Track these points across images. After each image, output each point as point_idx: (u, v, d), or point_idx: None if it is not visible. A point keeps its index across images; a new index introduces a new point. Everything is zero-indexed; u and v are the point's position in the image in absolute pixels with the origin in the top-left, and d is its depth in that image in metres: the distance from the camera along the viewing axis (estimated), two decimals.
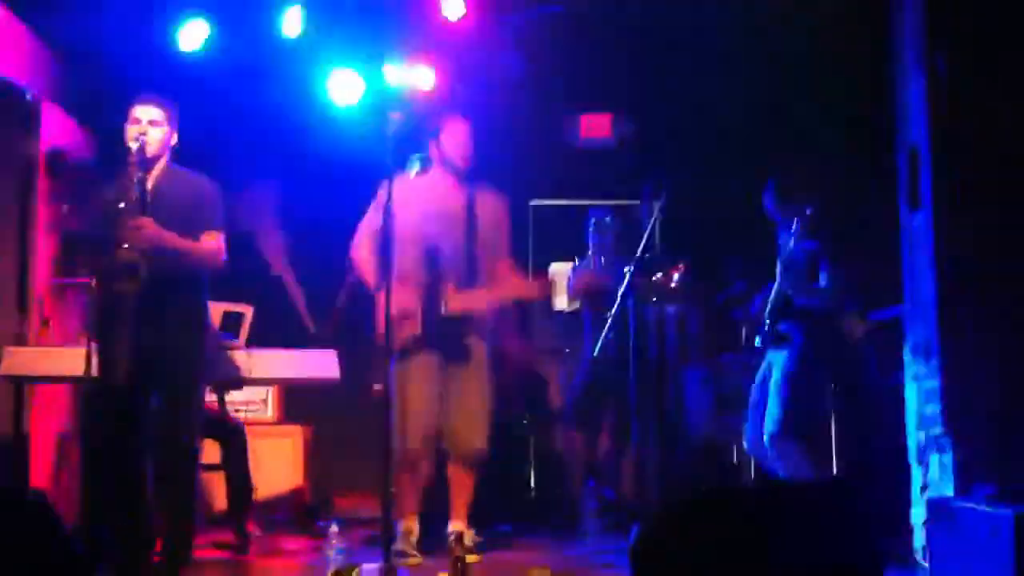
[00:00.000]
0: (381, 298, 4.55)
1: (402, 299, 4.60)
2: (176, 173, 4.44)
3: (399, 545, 4.60)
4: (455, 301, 4.76)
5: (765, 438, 5.02)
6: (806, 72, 6.28)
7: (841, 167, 6.35)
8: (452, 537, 4.82)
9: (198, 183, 4.46)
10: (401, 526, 4.74)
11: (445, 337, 4.77)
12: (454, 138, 4.92)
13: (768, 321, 5.13)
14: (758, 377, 5.28)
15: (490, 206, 4.98)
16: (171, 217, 4.25)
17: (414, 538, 4.77)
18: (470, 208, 4.90)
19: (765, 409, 5.03)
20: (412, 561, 4.60)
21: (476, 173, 4.98)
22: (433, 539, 4.90)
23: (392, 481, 4.52)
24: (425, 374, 4.75)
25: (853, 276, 5.18)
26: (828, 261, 5.09)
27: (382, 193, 4.62)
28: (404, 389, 4.68)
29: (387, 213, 4.28)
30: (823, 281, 5.10)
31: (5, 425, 5.40)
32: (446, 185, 4.93)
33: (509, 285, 4.95)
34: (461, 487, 4.90)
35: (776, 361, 5.12)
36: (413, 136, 4.79)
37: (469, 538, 4.86)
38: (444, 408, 4.81)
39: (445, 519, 4.94)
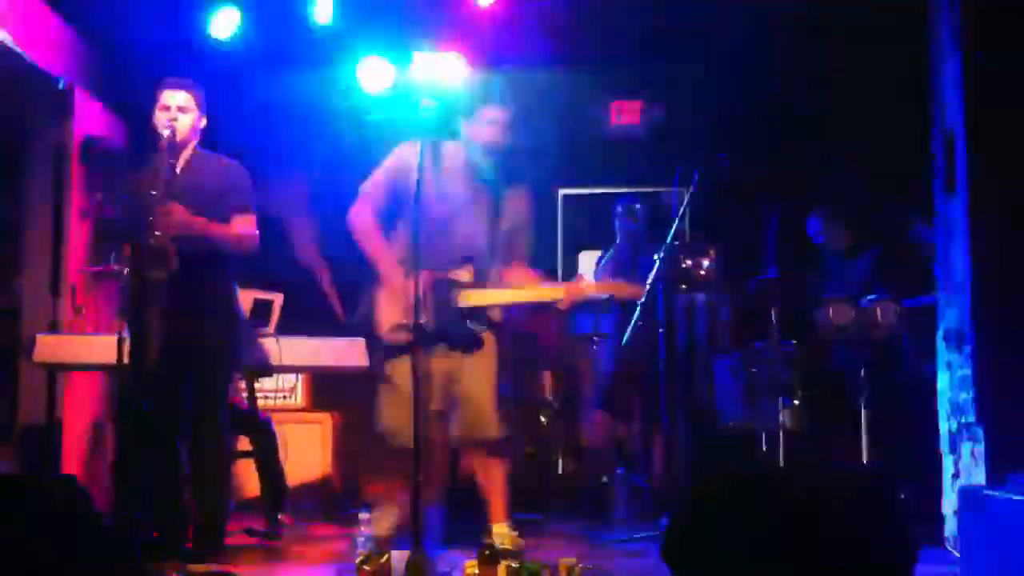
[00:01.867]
0: (385, 291, 4.44)
1: (412, 288, 4.14)
2: (205, 157, 4.46)
3: (369, 529, 4.27)
4: (471, 297, 4.42)
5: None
6: (840, 56, 6.23)
7: (876, 153, 6.32)
8: (496, 543, 4.30)
9: (227, 167, 4.47)
10: (380, 511, 4.49)
11: (458, 332, 4.46)
12: (489, 123, 4.50)
13: None
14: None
15: (517, 203, 4.62)
16: (201, 202, 4.27)
17: (390, 522, 4.48)
18: (495, 199, 4.56)
19: None
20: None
21: (504, 163, 4.61)
22: (460, 528, 4.83)
23: (415, 469, 4.28)
24: (434, 363, 4.38)
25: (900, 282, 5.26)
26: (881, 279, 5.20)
27: (392, 160, 4.51)
28: (397, 386, 4.38)
29: (417, 201, 4.07)
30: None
31: (38, 412, 5.46)
32: (469, 171, 4.56)
33: (529, 288, 4.53)
34: (491, 482, 4.59)
35: None
36: (444, 123, 4.73)
37: (511, 541, 4.46)
38: (457, 398, 4.50)
39: (471, 511, 4.71)
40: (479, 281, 4.47)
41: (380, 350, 4.56)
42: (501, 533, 4.49)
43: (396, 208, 4.49)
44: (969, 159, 4.31)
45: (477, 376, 4.51)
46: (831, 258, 6.11)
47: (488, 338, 4.54)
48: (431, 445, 4.43)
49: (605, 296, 4.85)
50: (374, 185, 4.52)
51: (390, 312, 4.43)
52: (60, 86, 5.71)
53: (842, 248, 6.08)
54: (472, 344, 4.50)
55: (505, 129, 4.51)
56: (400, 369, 4.35)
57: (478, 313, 4.50)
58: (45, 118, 5.70)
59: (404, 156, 4.43)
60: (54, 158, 5.71)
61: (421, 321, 4.14)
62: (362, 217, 4.51)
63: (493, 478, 4.60)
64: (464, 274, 4.44)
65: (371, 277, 4.52)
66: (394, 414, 4.40)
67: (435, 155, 4.50)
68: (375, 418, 4.54)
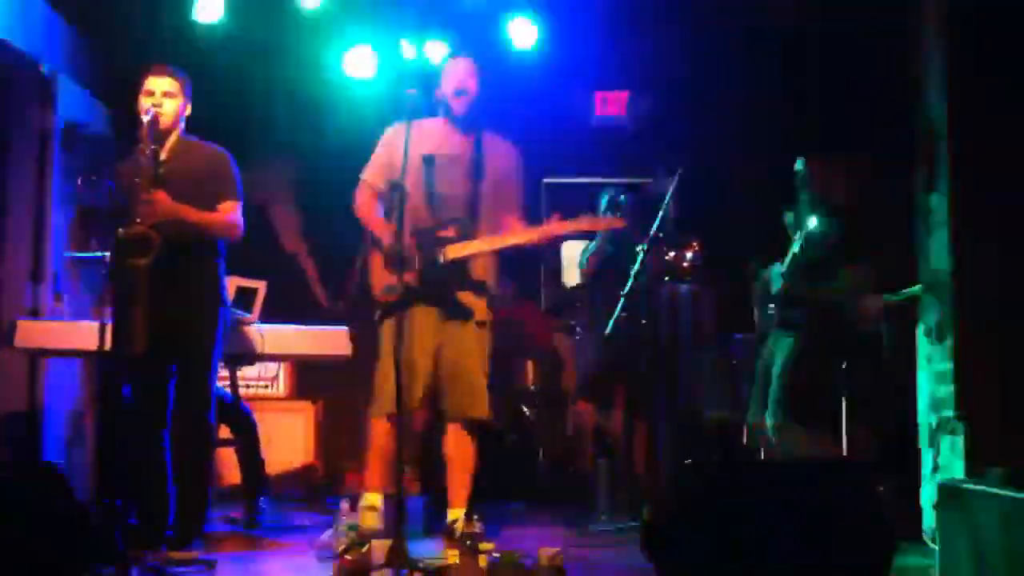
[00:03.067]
0: (377, 255, 4.53)
1: (404, 248, 4.31)
2: (190, 144, 4.44)
3: (351, 519, 4.23)
4: (453, 249, 4.49)
5: (768, 426, 5.05)
6: (825, 50, 6.24)
7: (859, 146, 6.33)
8: (450, 526, 4.47)
9: (212, 154, 4.45)
10: (363, 499, 4.50)
11: (442, 289, 4.52)
12: (452, 76, 4.61)
13: (773, 306, 5.12)
14: (761, 362, 5.30)
15: (499, 155, 4.69)
16: (186, 189, 4.25)
17: (375, 515, 4.45)
18: (476, 156, 4.63)
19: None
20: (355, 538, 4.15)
21: (485, 123, 4.69)
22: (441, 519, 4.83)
23: (373, 443, 4.49)
24: (421, 329, 4.45)
25: (870, 270, 5.18)
26: (848, 256, 5.12)
27: (383, 143, 4.65)
28: (382, 347, 4.47)
29: (405, 163, 4.18)
30: (842, 276, 5.12)
31: (19, 399, 5.44)
32: (450, 131, 4.65)
33: (509, 232, 4.56)
34: (462, 463, 4.61)
35: (780, 347, 5.12)
36: (429, 110, 4.73)
37: (466, 527, 4.29)
38: (439, 370, 4.53)
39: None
40: (464, 237, 4.53)
41: (379, 316, 4.57)
42: (459, 518, 4.46)
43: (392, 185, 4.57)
44: (951, 155, 4.33)
45: (469, 351, 4.56)
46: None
47: (479, 307, 4.60)
48: (412, 413, 4.55)
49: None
50: (369, 167, 4.69)
51: (381, 275, 4.49)
52: (44, 71, 5.68)
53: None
54: (462, 312, 4.54)
55: (469, 75, 4.61)
56: (389, 331, 4.43)
57: (463, 271, 4.55)
58: (28, 104, 5.66)
59: (390, 139, 4.59)
60: (37, 144, 5.67)
61: (407, 279, 4.28)
62: (360, 194, 4.68)
63: (463, 459, 4.62)
64: (449, 232, 4.51)
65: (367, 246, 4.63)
66: (382, 380, 4.46)
67: (418, 131, 4.50)
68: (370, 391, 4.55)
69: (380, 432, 4.51)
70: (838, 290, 5.20)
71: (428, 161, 4.57)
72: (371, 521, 4.41)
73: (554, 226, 4.54)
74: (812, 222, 5.14)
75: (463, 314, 4.56)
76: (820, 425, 5.23)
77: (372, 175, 4.67)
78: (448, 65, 4.70)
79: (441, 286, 4.52)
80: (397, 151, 4.29)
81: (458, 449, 4.62)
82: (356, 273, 6.33)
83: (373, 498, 4.53)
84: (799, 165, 5.42)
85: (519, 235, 4.55)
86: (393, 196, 4.45)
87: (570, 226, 4.58)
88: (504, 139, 4.75)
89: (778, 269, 5.40)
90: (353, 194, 4.69)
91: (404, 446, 4.44)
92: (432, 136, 4.61)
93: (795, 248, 5.17)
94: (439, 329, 4.54)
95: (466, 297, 4.58)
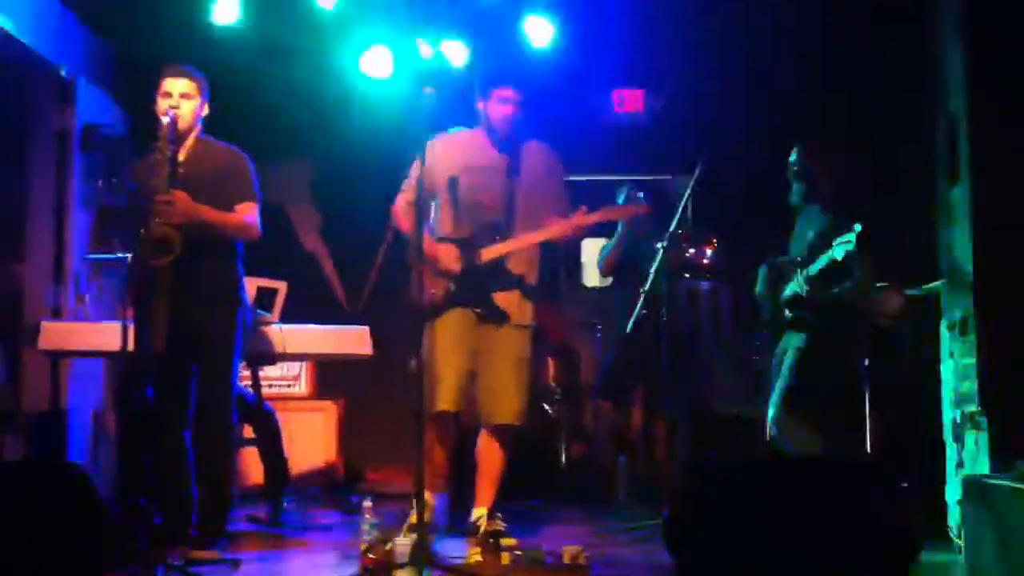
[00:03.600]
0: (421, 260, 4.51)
1: (441, 255, 4.54)
2: (208, 145, 4.45)
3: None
4: (488, 251, 4.59)
5: (769, 418, 5.04)
6: (843, 44, 6.21)
7: (880, 140, 6.30)
8: (474, 524, 4.58)
9: (229, 154, 4.47)
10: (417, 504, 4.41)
11: (482, 293, 4.60)
12: (501, 101, 4.68)
13: (785, 309, 5.11)
14: (776, 360, 5.27)
15: (537, 160, 4.78)
16: (204, 189, 4.26)
17: (431, 515, 4.53)
18: (513, 163, 4.71)
19: None
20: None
21: (520, 133, 4.77)
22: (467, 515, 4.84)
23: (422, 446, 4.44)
24: (457, 331, 4.57)
25: (879, 268, 5.14)
26: (860, 257, 5.07)
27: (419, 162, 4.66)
28: (435, 346, 4.51)
29: (419, 185, 4.23)
30: (852, 278, 5.09)
31: (43, 399, 5.47)
32: (487, 143, 4.76)
33: (540, 228, 4.63)
34: (489, 465, 4.67)
35: (791, 343, 5.09)
36: (446, 110, 4.74)
37: (489, 524, 4.55)
38: (477, 372, 4.61)
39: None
40: (500, 240, 4.62)
41: (426, 321, 4.60)
42: (482, 516, 4.59)
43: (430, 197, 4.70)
44: (972, 147, 4.30)
45: (505, 355, 4.63)
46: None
47: (520, 310, 4.67)
48: (447, 417, 4.56)
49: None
50: (408, 180, 4.68)
51: (424, 283, 4.49)
52: (63, 74, 5.71)
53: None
54: (502, 315, 4.60)
55: (517, 106, 4.68)
56: (431, 336, 4.53)
57: (500, 272, 4.62)
58: (48, 106, 5.70)
59: (430, 150, 4.52)
60: (57, 146, 5.72)
61: (452, 289, 4.51)
62: (398, 208, 4.74)
63: (491, 462, 4.68)
64: (487, 236, 4.60)
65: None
66: (433, 381, 4.50)
67: (455, 141, 4.73)
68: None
69: (432, 431, 4.53)
70: (858, 289, 5.15)
71: (465, 173, 4.66)
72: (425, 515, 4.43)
73: (580, 218, 4.61)
74: (841, 239, 5.12)
75: (500, 316, 4.63)
76: (825, 423, 5.20)
77: (409, 185, 4.67)
78: (499, 91, 4.71)
79: (479, 288, 4.59)
80: (435, 164, 4.45)
81: (487, 452, 4.68)
82: (375, 273, 6.36)
83: (428, 496, 4.50)
84: (793, 155, 5.38)
85: (548, 230, 4.61)
86: (429, 206, 4.59)
87: (596, 216, 4.66)
88: (540, 143, 4.83)
89: (773, 265, 5.39)
90: (392, 209, 4.76)
91: (447, 446, 4.65)
92: (470, 147, 4.73)
93: (821, 262, 5.10)
94: (476, 332, 4.62)
95: (504, 298, 4.65)
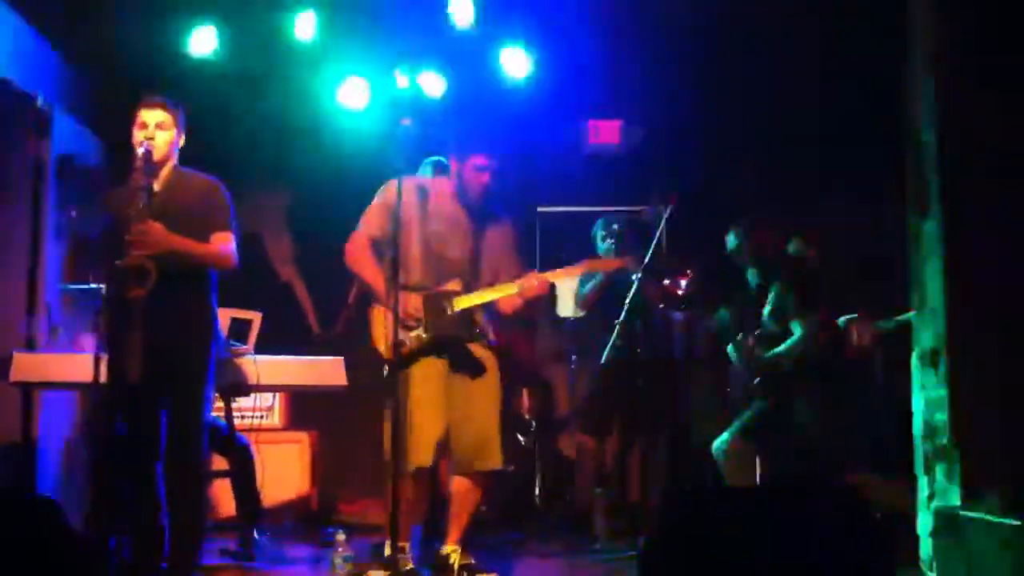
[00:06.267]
0: (379, 309, 4.49)
1: (408, 306, 4.44)
2: (184, 175, 4.45)
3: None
4: (461, 301, 4.54)
5: (719, 442, 5.20)
6: (816, 78, 6.27)
7: (851, 172, 6.36)
8: (444, 559, 4.54)
9: (206, 184, 4.46)
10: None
11: (452, 343, 4.56)
12: (477, 169, 4.64)
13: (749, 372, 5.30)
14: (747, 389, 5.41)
15: (500, 232, 4.75)
16: (180, 220, 4.25)
17: (408, 557, 4.46)
18: (478, 229, 4.68)
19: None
20: None
21: (489, 205, 4.75)
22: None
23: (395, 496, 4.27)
24: (431, 383, 4.51)
25: (818, 321, 5.28)
26: (796, 313, 5.24)
27: (383, 193, 4.60)
28: (410, 400, 4.42)
29: (396, 217, 4.22)
30: (795, 331, 5.22)
31: (14, 431, 5.42)
32: (456, 202, 4.71)
33: (516, 280, 4.56)
34: (463, 505, 4.62)
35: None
36: (422, 141, 4.76)
37: (463, 558, 4.56)
38: (453, 421, 4.55)
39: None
40: (468, 290, 4.57)
41: (381, 371, 4.54)
42: (452, 551, 4.53)
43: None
44: (943, 180, 4.34)
45: (479, 399, 4.57)
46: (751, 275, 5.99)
47: (490, 359, 4.64)
48: (423, 473, 4.47)
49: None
50: (366, 219, 4.64)
51: (386, 331, 4.45)
52: (39, 104, 5.69)
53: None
54: (473, 364, 4.56)
55: (493, 174, 4.63)
56: (405, 388, 4.42)
57: (469, 321, 4.57)
58: (23, 135, 5.67)
59: (391, 191, 4.50)
60: (31, 175, 5.68)
61: (422, 340, 4.43)
62: (355, 245, 4.64)
63: (466, 503, 4.61)
64: (453, 286, 4.54)
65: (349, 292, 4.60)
66: (410, 434, 4.39)
67: (421, 187, 4.70)
68: (385, 446, 4.49)
69: (409, 486, 4.42)
70: (792, 348, 5.29)
71: (434, 217, 4.62)
72: (408, 564, 4.42)
73: (557, 273, 4.61)
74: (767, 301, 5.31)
75: (472, 363, 4.58)
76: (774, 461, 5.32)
77: (368, 224, 4.63)
78: (475, 159, 4.64)
79: (451, 337, 4.54)
80: (409, 206, 4.41)
81: (465, 495, 4.61)
82: (348, 304, 6.35)
83: (402, 544, 4.46)
84: (731, 240, 5.54)
85: (523, 282, 4.54)
86: (388, 251, 4.41)
87: (574, 270, 4.69)
88: (505, 222, 4.78)
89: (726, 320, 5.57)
90: (345, 247, 4.66)
91: (425, 498, 4.60)
92: (439, 198, 4.68)
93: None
94: (451, 381, 4.55)
95: (474, 347, 4.61)
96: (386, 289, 4.36)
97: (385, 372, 4.47)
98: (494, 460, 4.57)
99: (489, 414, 4.59)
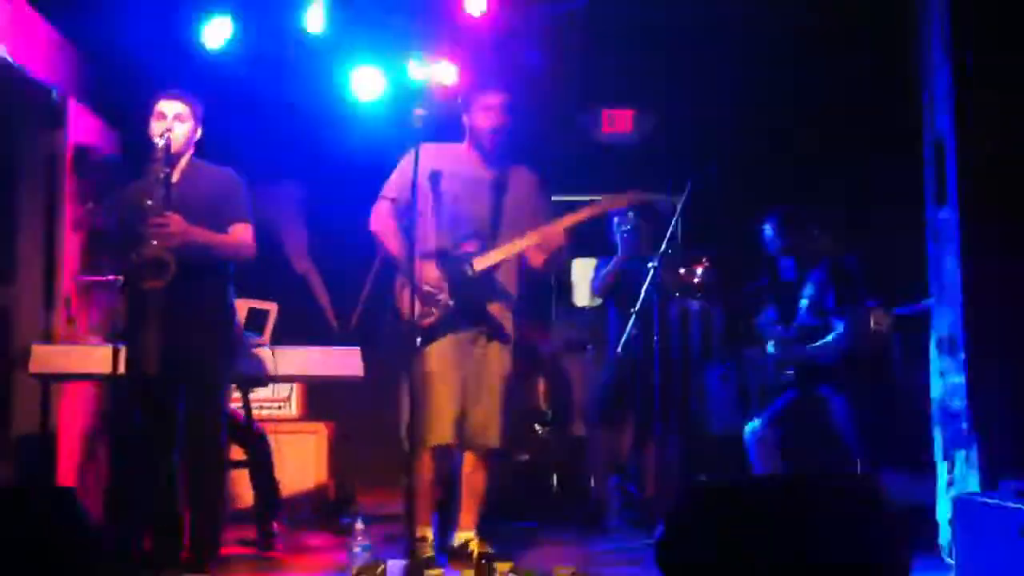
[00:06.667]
0: (404, 280, 4.47)
1: (428, 275, 4.45)
2: (201, 167, 4.46)
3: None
4: (480, 261, 4.49)
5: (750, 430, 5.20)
6: (832, 67, 6.25)
7: (868, 160, 6.34)
8: (458, 547, 4.55)
9: (223, 176, 4.47)
10: (416, 532, 4.37)
11: (473, 307, 4.52)
12: (485, 109, 4.61)
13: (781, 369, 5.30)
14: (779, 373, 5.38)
15: (524, 182, 4.71)
16: (197, 211, 4.27)
17: (429, 545, 4.50)
18: (499, 180, 4.64)
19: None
20: (435, 572, 4.28)
21: (508, 153, 4.71)
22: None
23: (414, 476, 4.30)
24: (452, 359, 4.49)
25: (864, 316, 5.27)
26: (838, 308, 5.24)
27: (402, 164, 4.61)
28: (430, 376, 4.44)
29: (414, 185, 4.21)
30: (835, 326, 5.21)
31: (33, 423, 5.44)
32: (472, 157, 4.68)
33: (530, 233, 4.52)
34: (473, 489, 4.63)
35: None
36: (436, 131, 4.74)
37: (478, 547, 4.53)
38: (467, 397, 4.53)
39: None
40: (486, 249, 4.55)
41: (410, 342, 4.47)
42: (468, 539, 4.54)
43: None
44: (959, 168, 4.33)
45: (492, 372, 4.57)
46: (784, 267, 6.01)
47: (507, 323, 4.60)
48: (443, 452, 4.49)
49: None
50: (387, 186, 4.67)
51: (412, 299, 4.45)
52: (53, 96, 5.71)
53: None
54: (493, 331, 4.54)
55: (503, 112, 4.61)
56: (426, 364, 4.44)
57: (492, 282, 4.55)
58: (38, 128, 5.69)
59: (409, 159, 4.50)
60: (47, 168, 5.70)
61: (445, 302, 4.41)
62: (378, 213, 4.66)
63: (475, 485, 4.63)
64: (471, 247, 4.52)
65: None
66: (431, 410, 4.41)
67: (439, 151, 4.63)
68: (402, 420, 4.54)
69: (428, 465, 4.47)
70: (833, 345, 5.29)
71: (450, 181, 4.57)
72: (428, 552, 4.44)
73: (569, 217, 4.55)
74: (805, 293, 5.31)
75: (495, 330, 4.57)
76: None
77: (389, 193, 4.66)
78: (483, 98, 4.64)
79: (475, 300, 4.52)
80: (421, 172, 4.36)
81: (475, 477, 4.63)
82: (366, 294, 6.35)
83: (424, 530, 4.52)
84: (768, 232, 5.54)
85: (539, 233, 4.51)
86: (408, 216, 4.42)
87: (583, 213, 4.59)
88: (529, 168, 4.76)
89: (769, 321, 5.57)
90: (371, 212, 4.68)
91: (442, 479, 4.61)
92: (457, 157, 4.66)
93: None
94: (468, 357, 4.54)
95: (496, 310, 4.60)
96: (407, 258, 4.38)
97: (418, 343, 4.43)
98: (492, 439, 4.56)
99: (496, 392, 4.57)
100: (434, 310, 4.41)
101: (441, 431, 4.43)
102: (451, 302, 4.45)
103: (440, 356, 4.45)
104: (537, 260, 4.60)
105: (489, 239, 4.57)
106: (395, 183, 4.63)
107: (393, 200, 4.62)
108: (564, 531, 5.84)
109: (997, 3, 4.31)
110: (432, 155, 4.55)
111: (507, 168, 4.69)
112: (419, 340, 4.39)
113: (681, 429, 6.28)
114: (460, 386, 4.51)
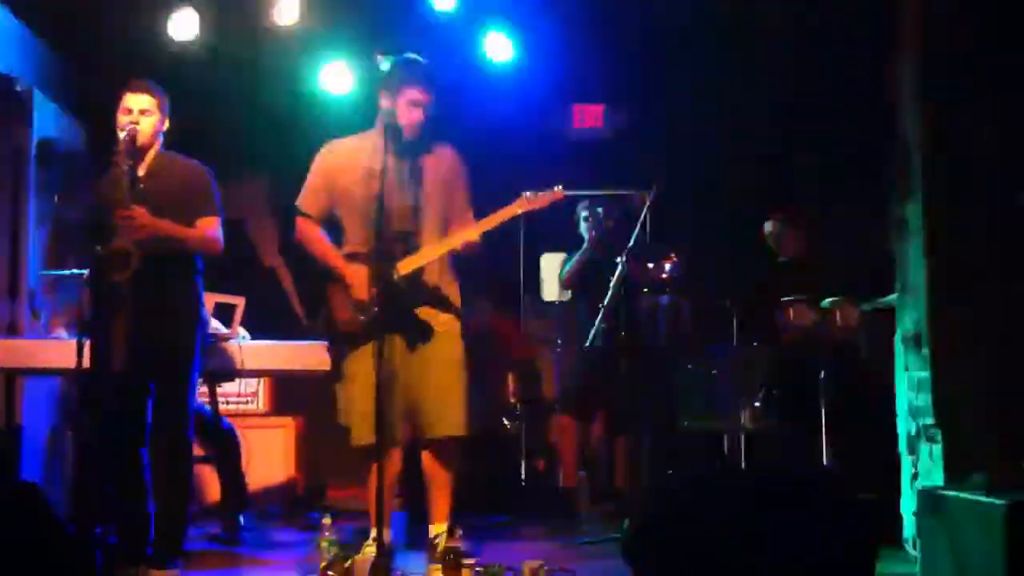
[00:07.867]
0: (335, 287, 4.44)
1: (356, 279, 4.33)
2: (168, 160, 4.43)
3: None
4: (403, 264, 4.34)
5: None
6: (802, 64, 6.28)
7: (836, 157, 6.38)
8: (433, 541, 4.43)
9: (190, 169, 4.44)
10: (373, 534, 4.29)
11: (403, 310, 4.37)
12: (411, 104, 4.40)
13: None
14: None
15: (442, 165, 4.53)
16: (165, 204, 4.24)
17: (387, 547, 4.30)
18: (415, 167, 4.47)
19: None
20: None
21: (425, 135, 4.50)
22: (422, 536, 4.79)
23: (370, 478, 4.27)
24: (387, 351, 4.22)
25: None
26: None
27: (313, 168, 4.56)
28: (354, 377, 4.35)
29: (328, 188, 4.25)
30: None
31: None
32: (388, 144, 4.35)
33: (454, 233, 4.42)
34: (439, 485, 4.50)
35: None
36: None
37: (449, 541, 4.26)
38: (413, 391, 4.39)
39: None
40: (412, 250, 4.42)
41: (341, 347, 4.49)
42: (441, 534, 4.40)
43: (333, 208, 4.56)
44: (924, 165, 4.36)
45: (438, 365, 4.42)
46: (786, 262, 6.14)
47: (447, 322, 4.47)
48: (392, 442, 4.35)
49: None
50: (304, 197, 4.58)
51: (343, 307, 4.42)
52: (17, 88, 5.65)
53: (796, 252, 6.10)
54: (428, 329, 4.43)
55: (426, 110, 4.45)
56: (357, 363, 4.36)
57: (419, 284, 4.41)
58: (2, 121, 5.63)
59: (323, 163, 4.54)
60: (11, 161, 5.65)
61: (373, 311, 4.26)
62: (303, 226, 4.58)
63: (441, 477, 4.51)
64: (397, 250, 4.38)
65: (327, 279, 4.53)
66: (353, 411, 4.38)
67: (350, 148, 4.56)
68: (338, 417, 4.50)
69: (374, 467, 4.26)
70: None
71: (366, 180, 4.41)
72: (374, 550, 4.31)
73: (487, 221, 4.43)
74: None
75: (428, 330, 4.44)
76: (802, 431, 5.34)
77: (309, 204, 4.55)
78: (408, 92, 4.44)
79: (402, 304, 4.37)
80: (335, 172, 4.39)
81: (435, 467, 4.51)
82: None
83: (382, 531, 4.35)
84: (768, 228, 5.61)
85: (462, 233, 4.42)
86: (335, 223, 4.42)
87: (500, 216, 4.44)
88: (446, 147, 4.59)
89: None
90: (295, 228, 4.58)
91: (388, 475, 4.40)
92: (370, 152, 4.45)
93: None
94: (406, 350, 4.41)
95: (428, 311, 4.46)
96: (338, 264, 4.40)
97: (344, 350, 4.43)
98: (454, 426, 4.40)
99: (448, 378, 4.42)
100: (361, 317, 4.31)
101: (365, 432, 4.25)
102: (374, 310, 4.28)
103: (366, 360, 4.23)
104: (466, 251, 4.46)
105: (414, 235, 4.44)
106: (312, 193, 4.55)
107: (314, 215, 4.54)
108: (534, 525, 5.84)
109: (962, 4, 4.34)
110: (345, 155, 4.51)
111: (423, 153, 4.52)
112: (349, 346, 4.37)
113: (651, 423, 6.30)
114: (399, 385, 4.36)
